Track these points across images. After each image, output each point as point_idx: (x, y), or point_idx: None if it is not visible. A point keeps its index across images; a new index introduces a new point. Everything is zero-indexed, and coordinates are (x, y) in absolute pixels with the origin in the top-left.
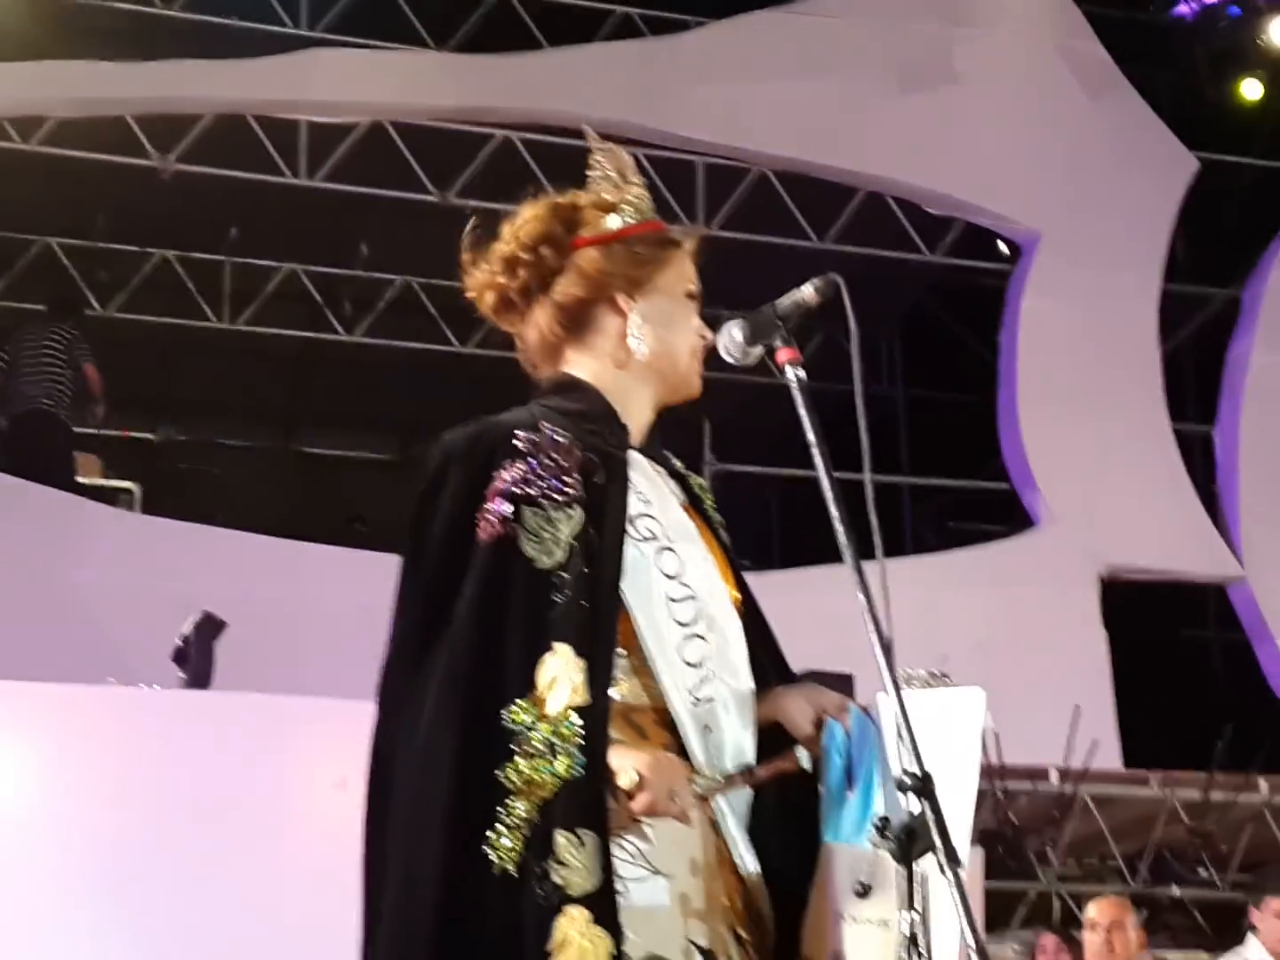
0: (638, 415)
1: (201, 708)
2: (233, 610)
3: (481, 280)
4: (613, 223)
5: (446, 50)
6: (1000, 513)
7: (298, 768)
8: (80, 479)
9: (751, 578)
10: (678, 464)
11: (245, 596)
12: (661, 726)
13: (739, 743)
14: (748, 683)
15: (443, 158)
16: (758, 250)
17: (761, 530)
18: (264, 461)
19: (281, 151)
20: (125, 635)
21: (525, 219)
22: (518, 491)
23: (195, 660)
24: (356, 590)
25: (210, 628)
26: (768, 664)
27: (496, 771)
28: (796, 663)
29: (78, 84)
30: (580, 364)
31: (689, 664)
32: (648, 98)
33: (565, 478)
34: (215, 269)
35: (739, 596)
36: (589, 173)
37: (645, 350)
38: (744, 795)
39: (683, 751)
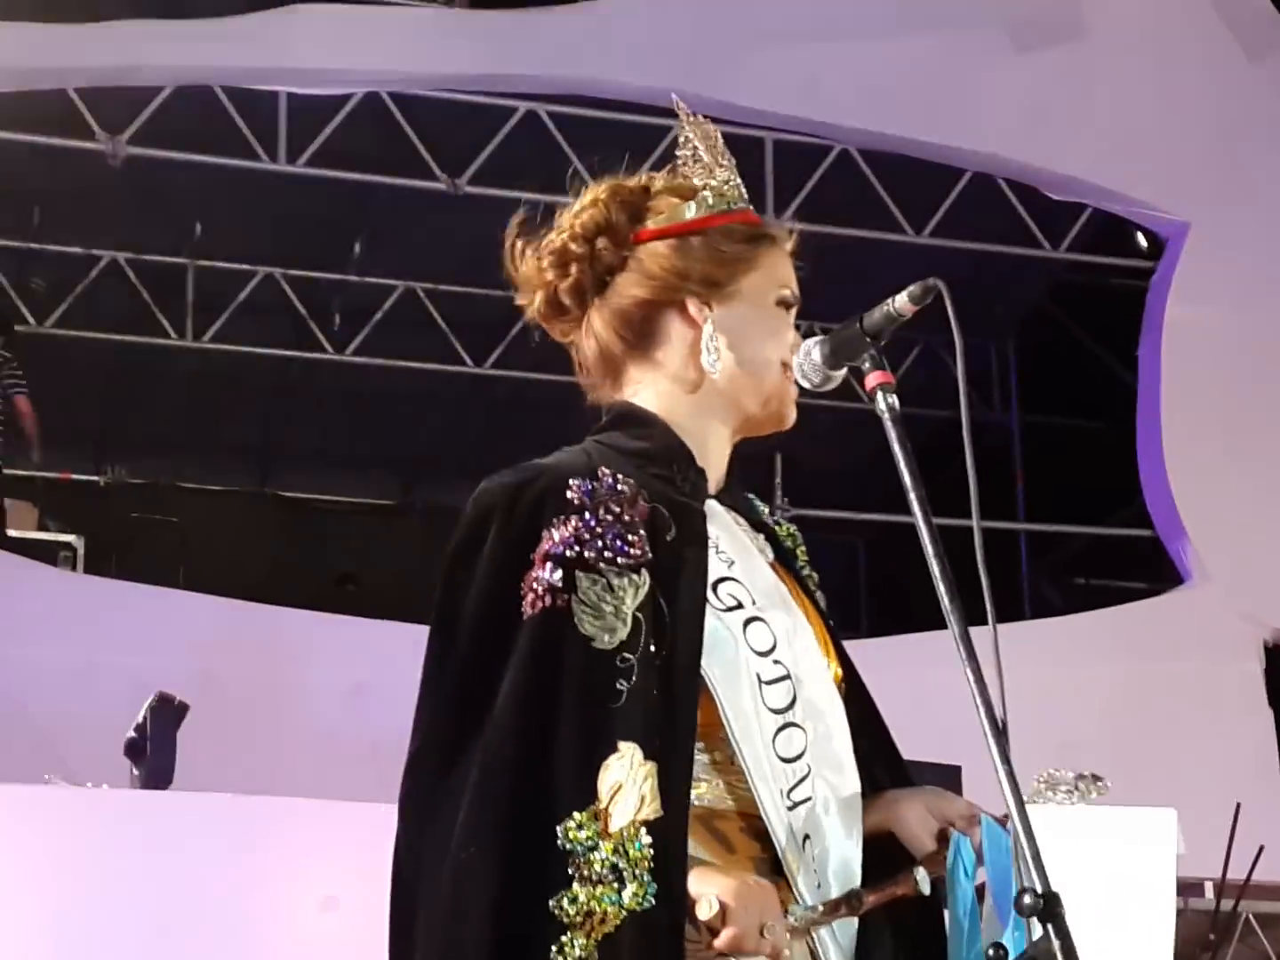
0: (716, 453)
1: (160, 811)
2: (197, 692)
3: (527, 275)
4: (689, 212)
5: (458, 6)
6: (1140, 567)
7: (277, 884)
8: (11, 532)
9: None
10: (763, 510)
11: (212, 675)
12: (750, 836)
13: (844, 856)
14: (853, 783)
15: (453, 137)
16: (840, 246)
17: (846, 588)
18: (235, 509)
19: (257, 131)
20: (67, 723)
21: (583, 203)
22: (571, 554)
23: (152, 753)
24: (348, 666)
25: (169, 713)
26: (877, 759)
27: (549, 901)
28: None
29: (8, 51)
30: (645, 386)
31: (784, 759)
32: (705, 61)
33: (630, 535)
34: (176, 274)
35: (840, 673)
36: (679, 151)
37: (721, 369)
38: (849, 925)
39: (776, 866)
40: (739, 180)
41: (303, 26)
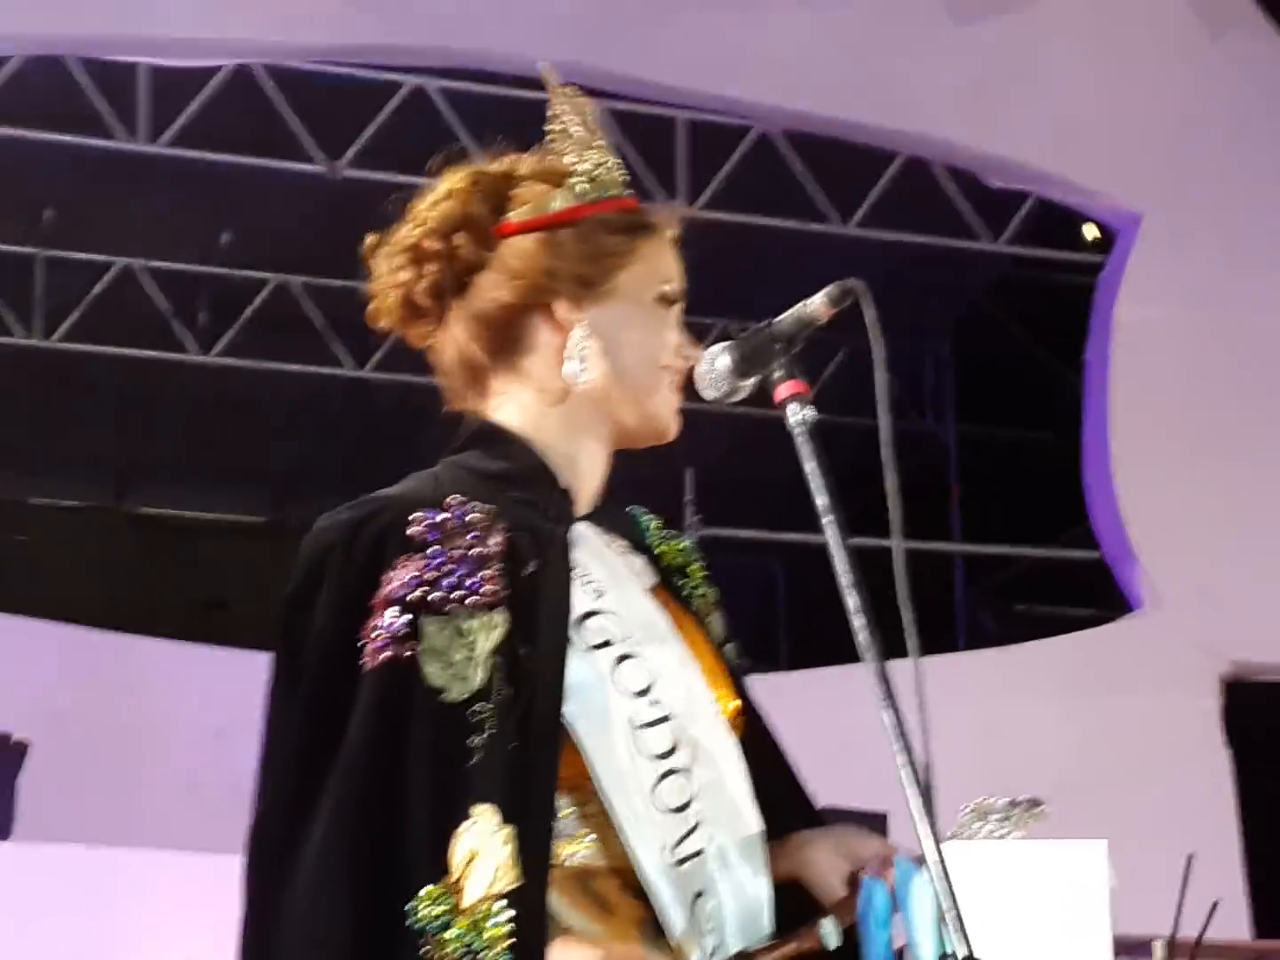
0: (587, 471)
1: None
2: (43, 730)
3: (380, 276)
4: (557, 201)
5: None
6: (1087, 593)
7: (132, 944)
8: None
9: (749, 682)
10: (649, 524)
11: (60, 712)
12: (631, 894)
13: (749, 910)
14: (753, 829)
15: (332, 115)
16: (757, 237)
17: (763, 616)
18: (88, 527)
19: (115, 106)
20: None
21: (438, 193)
22: (414, 597)
23: None
24: (216, 702)
25: (7, 754)
26: (782, 800)
27: None
28: (814, 796)
29: None
30: (509, 398)
31: (665, 811)
32: (610, 32)
33: (482, 571)
34: (22, 267)
35: (737, 707)
36: (547, 127)
37: (589, 378)
38: None
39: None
40: (615, 162)
41: None
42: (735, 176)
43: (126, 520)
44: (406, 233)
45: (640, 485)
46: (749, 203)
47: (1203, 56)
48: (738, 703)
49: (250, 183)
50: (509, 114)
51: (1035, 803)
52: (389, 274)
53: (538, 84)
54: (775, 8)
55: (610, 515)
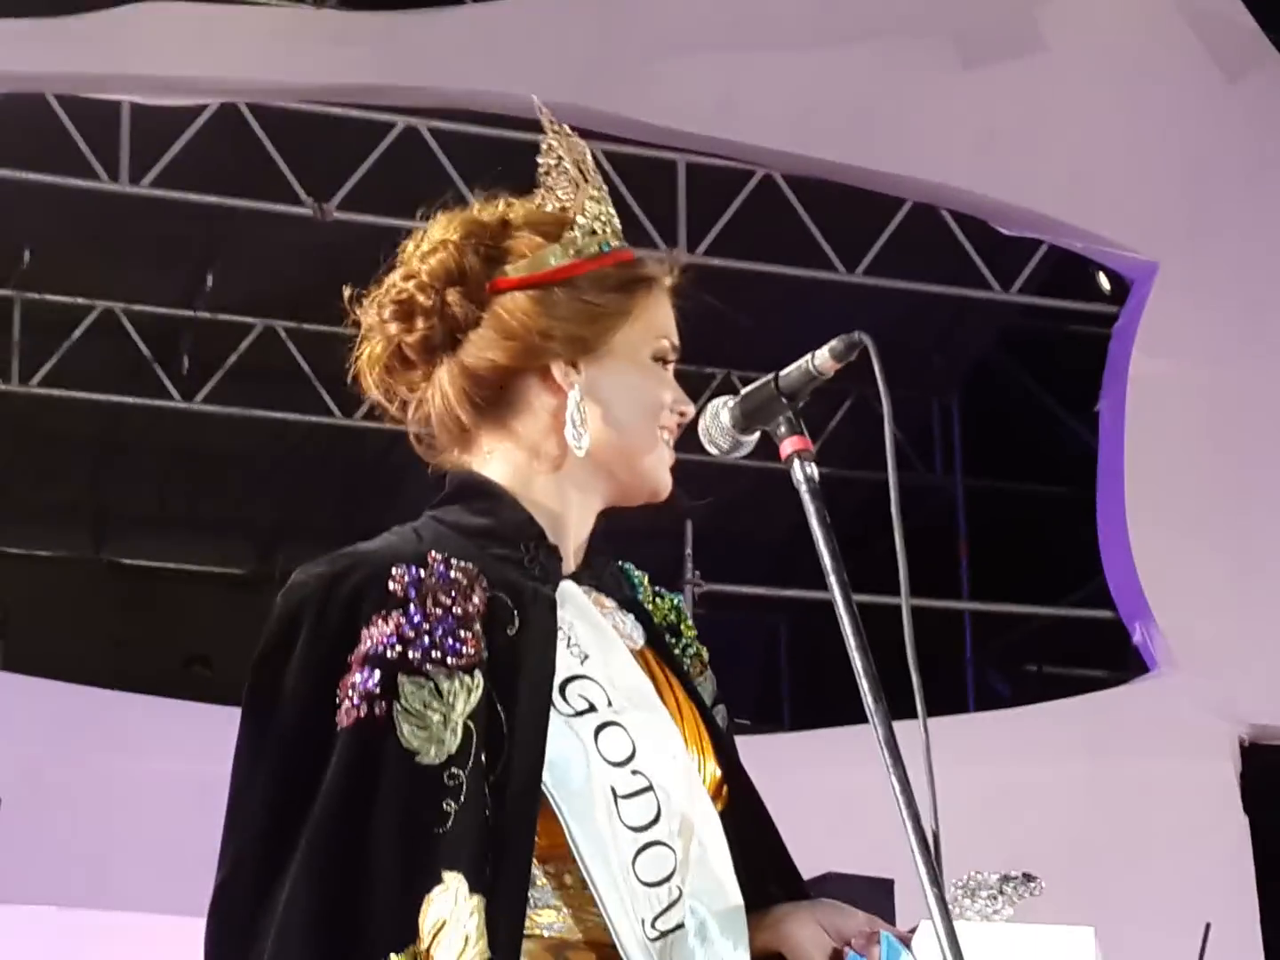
0: (575, 528)
1: None
2: (16, 789)
3: (368, 327)
4: (554, 257)
5: (327, 7)
6: (1100, 653)
7: None
8: None
9: (751, 743)
10: (639, 579)
11: (34, 769)
12: None
13: None
14: (735, 902)
15: (321, 155)
16: (759, 285)
17: (766, 675)
18: (64, 578)
19: (95, 146)
20: None
21: (430, 243)
22: (392, 655)
23: None
24: (196, 759)
25: None
26: (767, 871)
27: None
28: (818, 862)
29: None
30: (497, 457)
31: (647, 884)
32: (609, 72)
33: (462, 631)
34: (0, 308)
35: (718, 777)
36: (541, 164)
37: (588, 444)
38: None
39: None
40: (611, 212)
41: (149, 27)
42: (737, 222)
43: (103, 571)
44: (397, 284)
45: (640, 538)
46: (751, 249)
47: (1220, 101)
48: (719, 772)
49: (236, 225)
50: (502, 156)
51: (1029, 878)
52: (378, 324)
53: (532, 125)
54: (780, 49)
55: (598, 572)
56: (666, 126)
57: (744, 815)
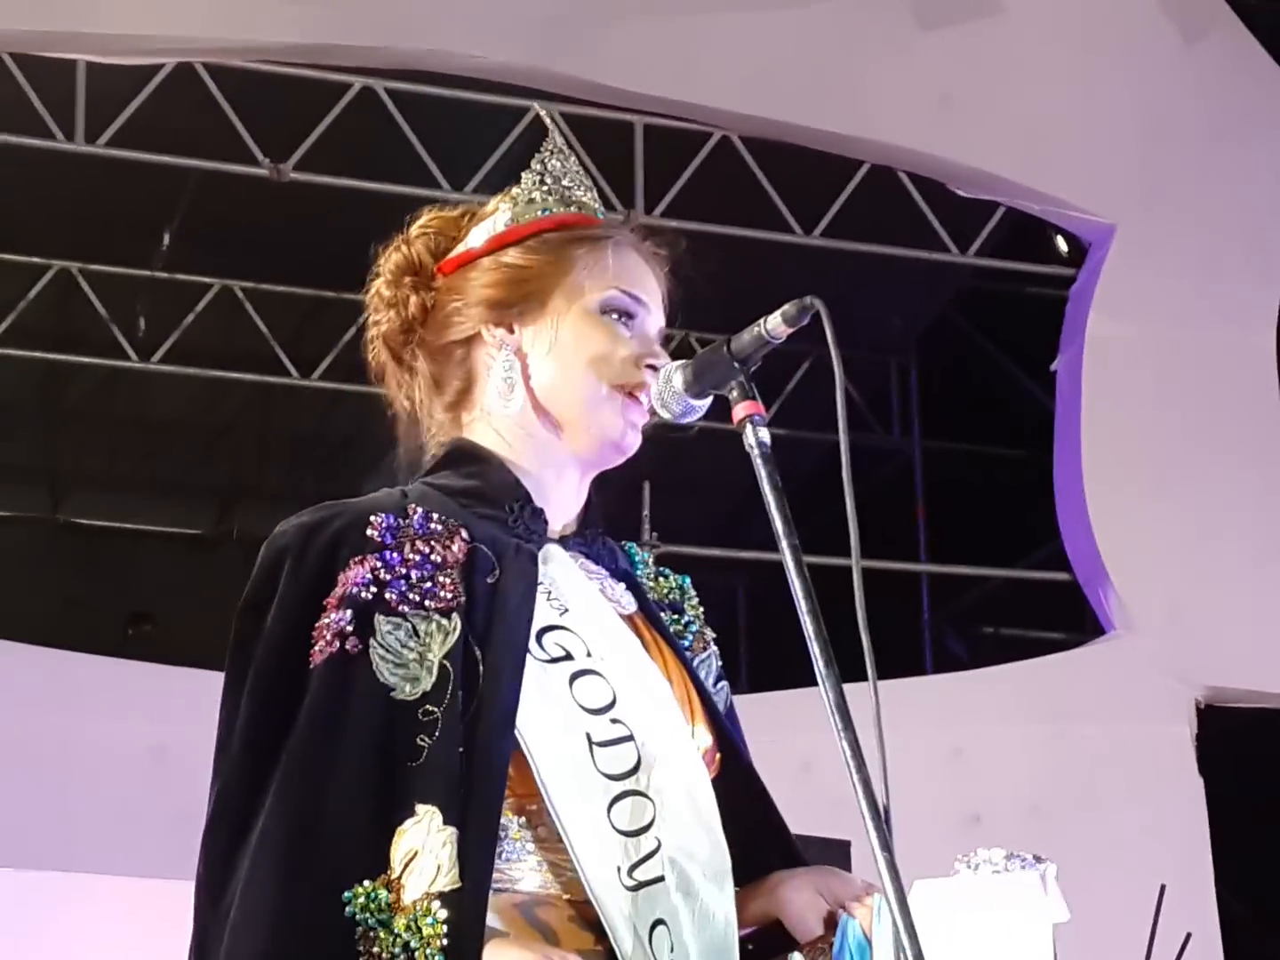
0: (559, 493)
1: None
2: None
3: (368, 334)
4: (485, 232)
5: None
6: (1057, 616)
7: None
8: None
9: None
10: (639, 557)
11: None
12: (581, 925)
13: (713, 945)
14: (721, 860)
15: (277, 115)
16: (716, 246)
17: (723, 637)
18: (18, 538)
19: (52, 106)
20: None
21: (395, 243)
22: (367, 596)
23: None
24: (145, 721)
25: None
26: (763, 838)
27: None
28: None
29: None
30: (476, 428)
31: (623, 832)
32: (564, 33)
33: (440, 576)
34: None
35: (710, 744)
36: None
37: (513, 401)
38: None
39: (613, 958)
40: (564, 180)
41: None
42: (694, 183)
43: (56, 531)
44: (372, 285)
45: (596, 499)
46: (709, 211)
47: (1178, 63)
48: (710, 739)
49: (192, 185)
50: (460, 117)
51: (1038, 859)
52: (371, 325)
53: (489, 87)
54: (735, 10)
55: (591, 544)
56: (623, 88)
57: (739, 785)
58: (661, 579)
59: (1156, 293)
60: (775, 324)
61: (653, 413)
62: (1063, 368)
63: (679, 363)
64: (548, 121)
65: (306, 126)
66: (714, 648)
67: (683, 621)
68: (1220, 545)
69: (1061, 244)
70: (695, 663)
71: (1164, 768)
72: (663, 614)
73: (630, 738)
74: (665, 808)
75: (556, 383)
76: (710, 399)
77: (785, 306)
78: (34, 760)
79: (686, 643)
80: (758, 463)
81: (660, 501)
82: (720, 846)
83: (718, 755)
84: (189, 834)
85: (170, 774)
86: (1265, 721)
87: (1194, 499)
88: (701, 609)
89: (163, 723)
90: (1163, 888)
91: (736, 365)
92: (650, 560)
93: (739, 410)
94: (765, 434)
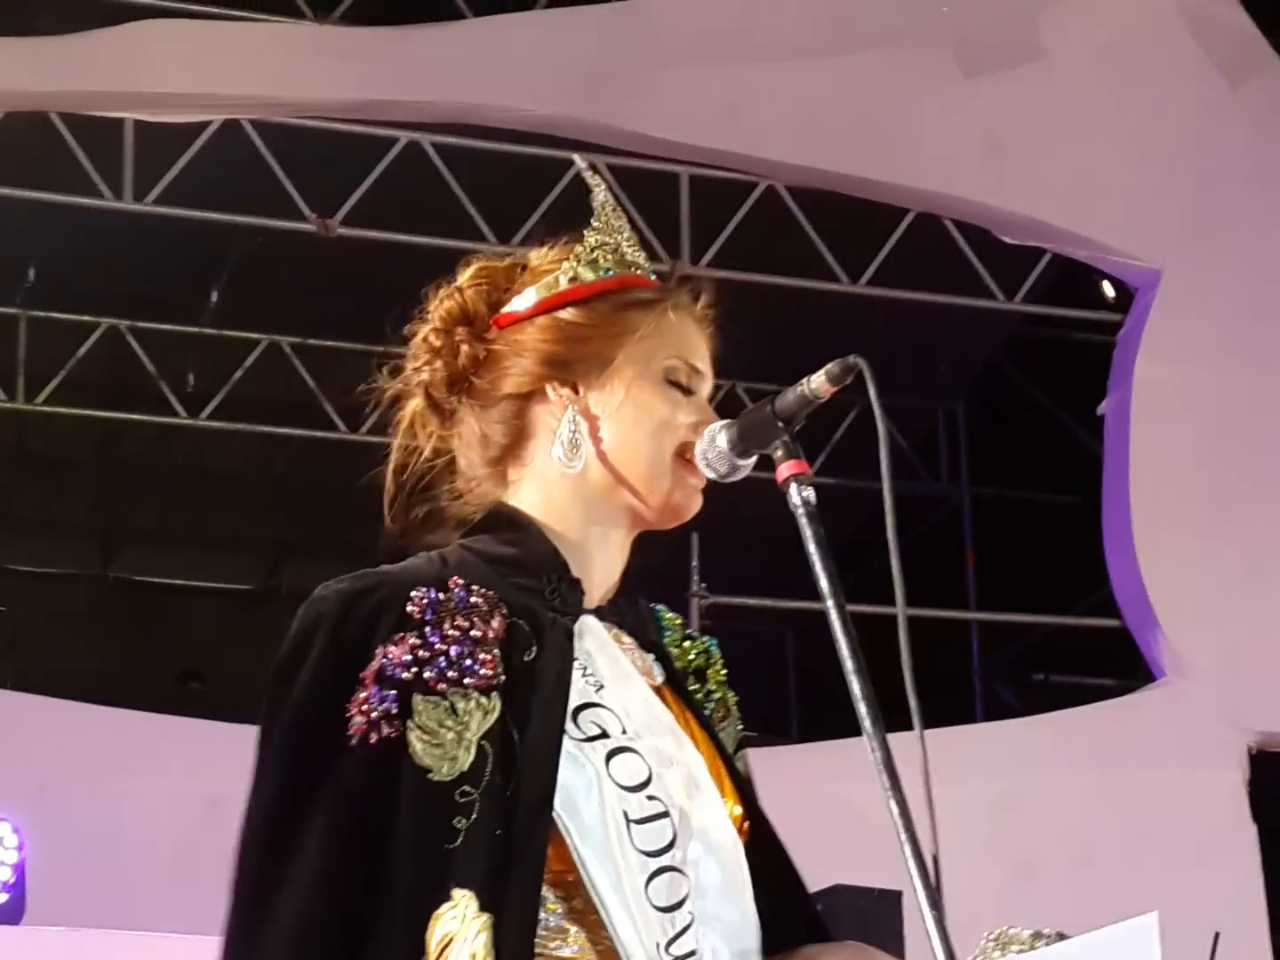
0: (600, 560)
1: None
2: (25, 808)
3: (405, 383)
4: (550, 288)
5: (330, 22)
6: (1108, 662)
7: None
8: None
9: (759, 754)
10: (669, 621)
11: (40, 789)
12: None
13: None
14: (751, 935)
15: (325, 171)
16: (765, 296)
17: (774, 687)
18: (69, 595)
19: (99, 164)
20: None
21: (446, 290)
22: (408, 676)
23: None
24: (200, 776)
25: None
26: (789, 910)
27: None
28: (827, 874)
29: None
30: (522, 487)
31: (660, 908)
32: (610, 85)
33: (480, 654)
34: (5, 326)
35: (741, 813)
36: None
37: (577, 461)
38: None
39: None
40: (622, 241)
41: (152, 44)
42: (741, 233)
43: (108, 587)
44: (418, 332)
45: (645, 551)
46: (755, 260)
47: (1222, 107)
48: (739, 810)
49: (240, 241)
50: (506, 170)
51: (1062, 936)
52: (414, 373)
53: (535, 139)
54: (782, 60)
55: (623, 610)
56: (669, 138)
57: (766, 856)
58: (688, 643)
59: (1203, 337)
60: (819, 383)
61: None
62: (1110, 412)
63: (723, 422)
64: (588, 178)
65: (353, 181)
66: (735, 712)
67: (704, 690)
68: (1271, 589)
69: (1108, 289)
70: (719, 732)
71: (1216, 814)
72: (688, 682)
73: (666, 814)
74: (699, 882)
75: (622, 446)
76: (755, 458)
77: (829, 365)
78: (87, 818)
79: (708, 710)
80: (803, 521)
81: (709, 552)
82: (751, 919)
83: (745, 825)
84: None
85: (223, 831)
86: None
87: (1244, 543)
88: (725, 673)
89: (213, 780)
90: (1216, 935)
91: (781, 425)
92: (679, 623)
93: (784, 469)
94: (810, 493)
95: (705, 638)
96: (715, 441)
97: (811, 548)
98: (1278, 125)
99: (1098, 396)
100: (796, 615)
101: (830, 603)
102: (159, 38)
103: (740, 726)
